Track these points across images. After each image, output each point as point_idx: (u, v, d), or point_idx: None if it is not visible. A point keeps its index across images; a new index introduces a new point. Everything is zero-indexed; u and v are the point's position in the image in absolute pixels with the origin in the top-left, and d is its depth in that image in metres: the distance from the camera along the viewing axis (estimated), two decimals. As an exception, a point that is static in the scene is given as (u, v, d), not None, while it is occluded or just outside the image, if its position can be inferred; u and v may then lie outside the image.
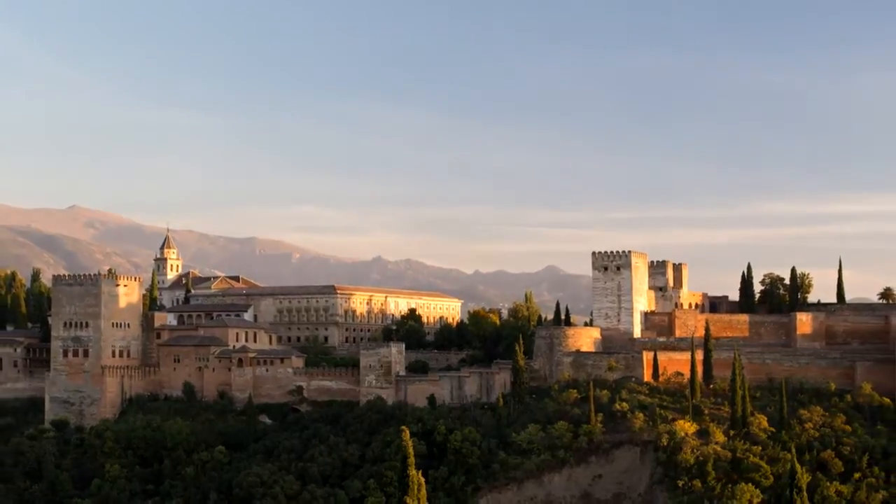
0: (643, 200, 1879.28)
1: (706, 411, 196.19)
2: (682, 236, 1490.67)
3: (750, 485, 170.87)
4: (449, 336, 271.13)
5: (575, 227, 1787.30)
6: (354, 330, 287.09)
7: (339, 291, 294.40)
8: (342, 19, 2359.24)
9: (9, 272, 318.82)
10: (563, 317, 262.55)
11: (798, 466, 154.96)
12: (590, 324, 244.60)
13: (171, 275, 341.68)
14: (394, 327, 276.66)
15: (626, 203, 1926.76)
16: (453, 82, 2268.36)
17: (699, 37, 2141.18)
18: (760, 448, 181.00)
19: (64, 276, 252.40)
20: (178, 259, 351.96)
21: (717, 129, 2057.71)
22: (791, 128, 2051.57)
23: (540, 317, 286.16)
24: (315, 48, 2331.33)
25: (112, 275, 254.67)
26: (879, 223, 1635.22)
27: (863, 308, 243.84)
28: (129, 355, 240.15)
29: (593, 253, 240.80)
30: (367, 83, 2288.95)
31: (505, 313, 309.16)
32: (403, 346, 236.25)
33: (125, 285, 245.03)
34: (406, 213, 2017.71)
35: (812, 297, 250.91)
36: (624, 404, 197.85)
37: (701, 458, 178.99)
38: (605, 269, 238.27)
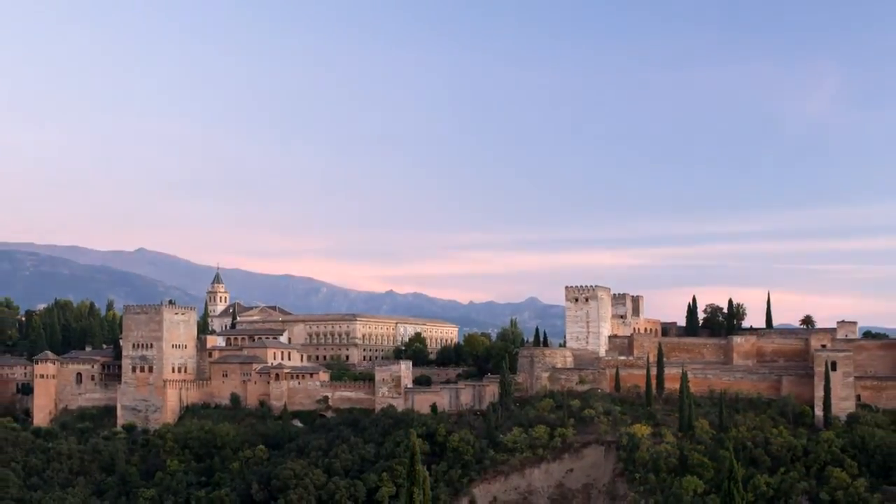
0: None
1: (659, 417, 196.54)
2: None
3: (695, 477, 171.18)
4: (448, 355, 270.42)
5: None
6: (371, 350, 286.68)
7: (358, 319, 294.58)
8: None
9: (87, 303, 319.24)
10: (541, 339, 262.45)
11: (734, 462, 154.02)
12: (564, 345, 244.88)
13: (221, 305, 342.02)
14: (403, 348, 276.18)
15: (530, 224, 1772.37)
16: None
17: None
18: (703, 447, 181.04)
19: (133, 306, 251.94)
20: (225, 292, 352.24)
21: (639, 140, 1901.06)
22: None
23: (523, 339, 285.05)
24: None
25: (172, 305, 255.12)
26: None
27: (787, 332, 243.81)
28: (185, 371, 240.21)
29: (566, 287, 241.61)
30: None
31: (494, 336, 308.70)
32: (411, 363, 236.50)
33: (182, 314, 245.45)
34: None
35: (745, 323, 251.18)
36: (591, 411, 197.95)
37: (654, 456, 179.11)
38: (577, 300, 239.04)
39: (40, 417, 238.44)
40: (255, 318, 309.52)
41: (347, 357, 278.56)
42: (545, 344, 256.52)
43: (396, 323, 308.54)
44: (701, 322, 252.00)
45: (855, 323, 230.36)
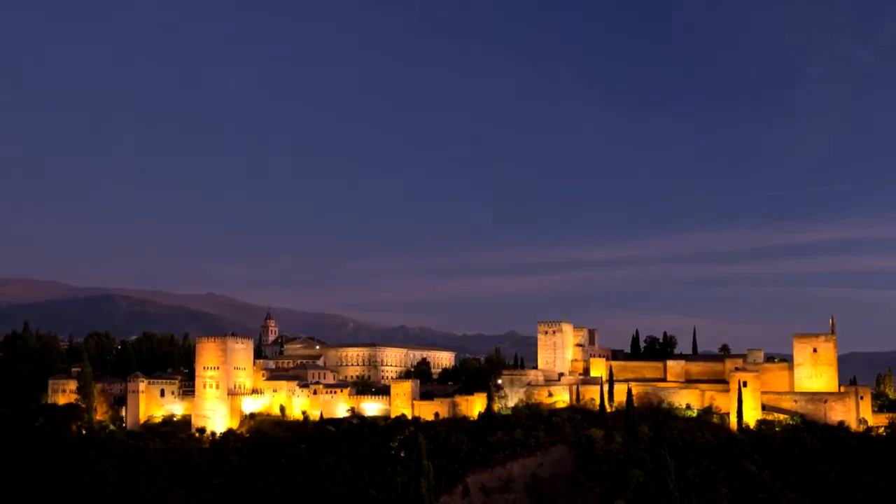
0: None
1: (610, 423, 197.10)
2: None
3: (638, 469, 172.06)
4: (447, 375, 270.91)
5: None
6: (388, 371, 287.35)
7: (378, 347, 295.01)
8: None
9: (169, 335, 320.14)
10: (519, 363, 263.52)
11: (668, 457, 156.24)
12: (536, 367, 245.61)
13: (272, 336, 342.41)
14: (412, 370, 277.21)
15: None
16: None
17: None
18: (644, 446, 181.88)
19: (203, 337, 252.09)
20: (275, 326, 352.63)
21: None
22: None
23: (504, 362, 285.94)
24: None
25: (234, 336, 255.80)
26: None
27: (709, 357, 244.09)
28: (244, 387, 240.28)
29: (539, 322, 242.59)
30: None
31: (483, 361, 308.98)
32: (418, 381, 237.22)
33: (242, 343, 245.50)
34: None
35: (677, 349, 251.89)
36: (558, 418, 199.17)
37: (606, 452, 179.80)
38: (546, 332, 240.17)
39: (132, 423, 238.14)
40: (298, 346, 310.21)
41: (370, 377, 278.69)
42: (522, 366, 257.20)
43: (407, 350, 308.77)
44: (642, 349, 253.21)
45: (761, 350, 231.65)
